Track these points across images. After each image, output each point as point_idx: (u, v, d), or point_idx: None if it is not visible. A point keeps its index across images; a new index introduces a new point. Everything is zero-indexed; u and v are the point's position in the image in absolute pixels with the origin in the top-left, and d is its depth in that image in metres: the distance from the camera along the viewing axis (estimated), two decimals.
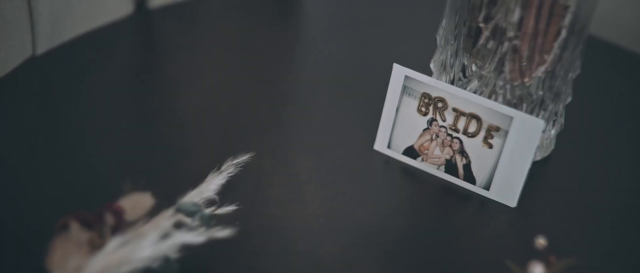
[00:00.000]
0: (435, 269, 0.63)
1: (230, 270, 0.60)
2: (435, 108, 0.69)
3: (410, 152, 0.72)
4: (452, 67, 0.71)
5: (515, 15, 0.64)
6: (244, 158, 0.66)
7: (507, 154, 0.67)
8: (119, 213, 0.55)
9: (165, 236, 0.54)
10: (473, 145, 0.68)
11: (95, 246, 0.53)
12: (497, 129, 0.67)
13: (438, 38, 0.73)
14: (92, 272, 0.51)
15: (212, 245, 0.57)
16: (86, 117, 0.76)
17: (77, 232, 0.53)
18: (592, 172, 0.75)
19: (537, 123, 0.65)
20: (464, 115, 0.68)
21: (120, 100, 0.79)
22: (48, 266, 0.52)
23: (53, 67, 0.81)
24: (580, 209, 0.70)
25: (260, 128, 0.76)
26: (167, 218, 0.57)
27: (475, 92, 0.70)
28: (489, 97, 0.69)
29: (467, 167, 0.69)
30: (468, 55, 0.69)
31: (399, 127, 0.71)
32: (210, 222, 0.59)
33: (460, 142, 0.69)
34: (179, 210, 0.58)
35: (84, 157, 0.70)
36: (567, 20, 0.65)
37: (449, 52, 0.71)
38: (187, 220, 0.58)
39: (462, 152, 0.69)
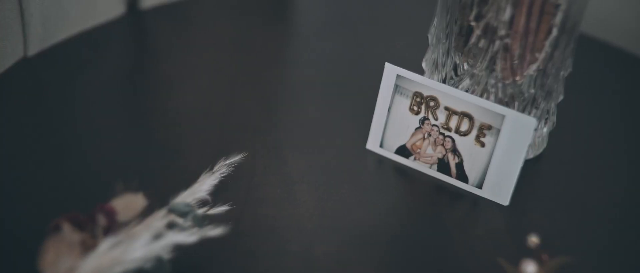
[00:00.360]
0: (429, 268, 0.63)
1: (223, 270, 0.60)
2: (427, 107, 0.69)
3: (403, 151, 0.72)
4: (444, 65, 0.71)
5: (506, 14, 0.64)
6: (236, 158, 0.66)
7: (499, 152, 0.67)
8: (111, 214, 0.55)
9: (157, 236, 0.54)
10: (465, 144, 0.68)
11: (88, 247, 0.53)
12: (489, 128, 0.67)
13: (430, 37, 0.73)
14: None
15: (205, 245, 0.57)
16: (78, 118, 0.75)
17: (69, 233, 0.53)
18: (584, 169, 0.75)
19: (529, 121, 0.65)
20: (456, 114, 0.68)
21: (112, 100, 0.79)
22: (40, 267, 0.52)
23: (45, 68, 0.81)
24: (572, 207, 0.70)
25: (253, 128, 0.76)
26: (159, 219, 0.57)
27: (467, 91, 0.70)
28: (481, 96, 0.70)
29: (460, 165, 0.69)
30: (460, 54, 0.69)
31: (391, 126, 0.71)
32: (203, 222, 0.58)
33: (453, 140, 0.69)
34: (171, 211, 0.58)
35: (76, 158, 0.70)
36: (558, 18, 0.65)
37: (441, 51, 0.71)
38: (180, 220, 0.58)
39: (455, 151, 0.69)
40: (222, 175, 0.64)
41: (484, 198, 0.69)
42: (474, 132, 0.68)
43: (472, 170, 0.69)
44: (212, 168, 0.64)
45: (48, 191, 0.66)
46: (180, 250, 0.56)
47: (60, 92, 0.78)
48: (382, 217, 0.67)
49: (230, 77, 0.84)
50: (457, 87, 0.70)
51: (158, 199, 0.59)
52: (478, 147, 0.68)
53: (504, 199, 0.68)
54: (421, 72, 0.74)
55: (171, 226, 0.57)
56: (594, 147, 0.78)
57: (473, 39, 0.67)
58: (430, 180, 0.71)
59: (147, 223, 0.57)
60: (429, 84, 0.68)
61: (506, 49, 0.66)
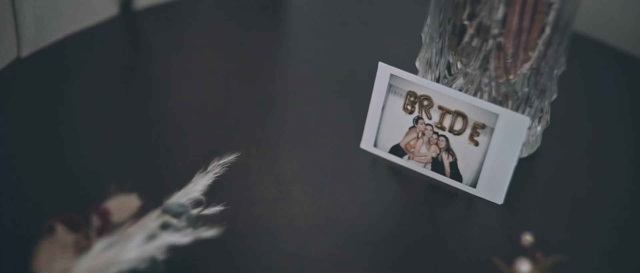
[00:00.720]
0: (423, 267, 0.63)
1: (217, 270, 0.60)
2: (421, 106, 0.69)
3: (397, 150, 0.72)
4: (437, 65, 0.71)
5: (499, 13, 0.64)
6: (230, 158, 0.66)
7: (493, 151, 0.67)
8: (105, 215, 0.55)
9: (151, 237, 0.54)
10: (459, 143, 0.68)
11: (82, 248, 0.53)
12: (483, 127, 0.67)
13: (423, 36, 0.73)
14: None
15: (199, 245, 0.57)
16: (72, 119, 0.75)
17: (63, 235, 0.53)
18: (578, 168, 0.75)
19: (522, 120, 0.65)
20: (450, 113, 0.68)
21: (106, 101, 0.79)
22: (34, 269, 0.52)
23: (38, 69, 0.81)
24: (566, 205, 0.70)
25: (247, 127, 0.76)
26: (153, 220, 0.57)
27: (460, 90, 0.70)
28: (475, 95, 0.70)
29: (454, 164, 0.70)
30: (453, 53, 0.69)
31: (385, 125, 0.71)
32: (197, 222, 0.58)
33: (446, 139, 0.69)
34: (165, 211, 0.58)
35: (70, 159, 0.70)
36: (551, 17, 0.65)
37: (434, 50, 0.71)
38: (174, 221, 0.58)
39: (449, 150, 0.69)
40: (216, 175, 0.64)
41: (478, 197, 0.69)
42: (468, 131, 0.68)
43: (466, 169, 0.69)
44: (205, 169, 0.64)
45: (42, 192, 0.66)
46: (174, 250, 0.56)
47: (54, 93, 0.78)
48: (376, 217, 0.67)
49: (224, 77, 0.84)
50: (450, 86, 0.70)
51: (152, 200, 0.59)
52: (472, 146, 0.68)
53: (498, 198, 0.69)
54: (415, 71, 0.74)
55: (165, 227, 0.57)
56: (588, 145, 0.78)
57: (466, 38, 0.67)
58: (424, 179, 0.71)
59: (141, 224, 0.56)
60: (422, 83, 0.68)
61: (499, 47, 0.66)
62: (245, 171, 0.70)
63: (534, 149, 0.75)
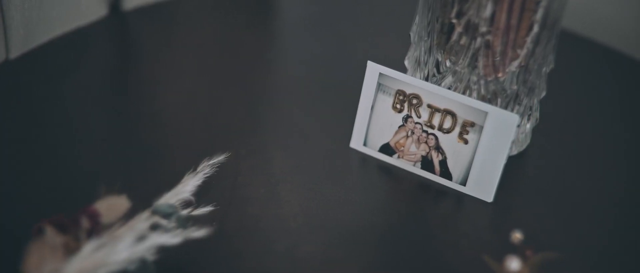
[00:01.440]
0: (413, 265, 0.63)
1: (207, 271, 0.60)
2: (410, 105, 0.69)
3: (386, 149, 0.72)
4: (426, 63, 0.71)
5: (487, 11, 0.64)
6: (219, 158, 0.66)
7: (482, 149, 0.67)
8: (94, 217, 0.55)
9: (141, 238, 0.54)
10: (448, 141, 0.69)
11: (71, 250, 0.53)
12: (472, 125, 0.67)
13: (412, 35, 0.73)
14: None
15: (189, 246, 0.57)
16: (61, 120, 0.75)
17: (52, 236, 0.53)
18: (567, 165, 0.75)
19: (511, 118, 0.65)
20: (439, 112, 0.68)
21: (95, 102, 0.79)
22: (23, 271, 0.52)
23: (27, 70, 0.81)
24: (556, 203, 0.70)
25: (237, 128, 0.76)
26: (143, 221, 0.57)
27: (449, 88, 0.70)
28: (464, 93, 0.70)
29: (443, 163, 0.70)
30: (442, 52, 0.69)
31: (375, 124, 0.71)
32: (187, 223, 0.58)
33: (436, 138, 0.69)
34: (155, 212, 0.58)
35: (60, 160, 0.70)
36: (539, 14, 0.65)
37: (423, 49, 0.71)
38: (164, 221, 0.58)
39: (438, 148, 0.69)
40: (205, 176, 0.64)
41: (468, 195, 0.70)
42: (457, 129, 0.68)
43: (455, 167, 0.69)
44: (195, 169, 0.64)
45: (31, 193, 0.66)
46: (164, 251, 0.56)
47: (43, 94, 0.78)
48: (366, 216, 0.67)
49: (214, 77, 0.84)
50: (439, 85, 0.70)
51: (141, 201, 0.59)
52: (461, 144, 0.68)
53: (488, 196, 0.69)
54: (404, 70, 0.74)
55: (155, 227, 0.57)
56: (578, 142, 0.79)
57: (454, 36, 0.67)
58: (414, 177, 0.71)
59: (130, 225, 0.56)
60: (411, 82, 0.68)
61: (488, 45, 0.66)
62: (235, 171, 0.70)
63: (524, 147, 0.75)
